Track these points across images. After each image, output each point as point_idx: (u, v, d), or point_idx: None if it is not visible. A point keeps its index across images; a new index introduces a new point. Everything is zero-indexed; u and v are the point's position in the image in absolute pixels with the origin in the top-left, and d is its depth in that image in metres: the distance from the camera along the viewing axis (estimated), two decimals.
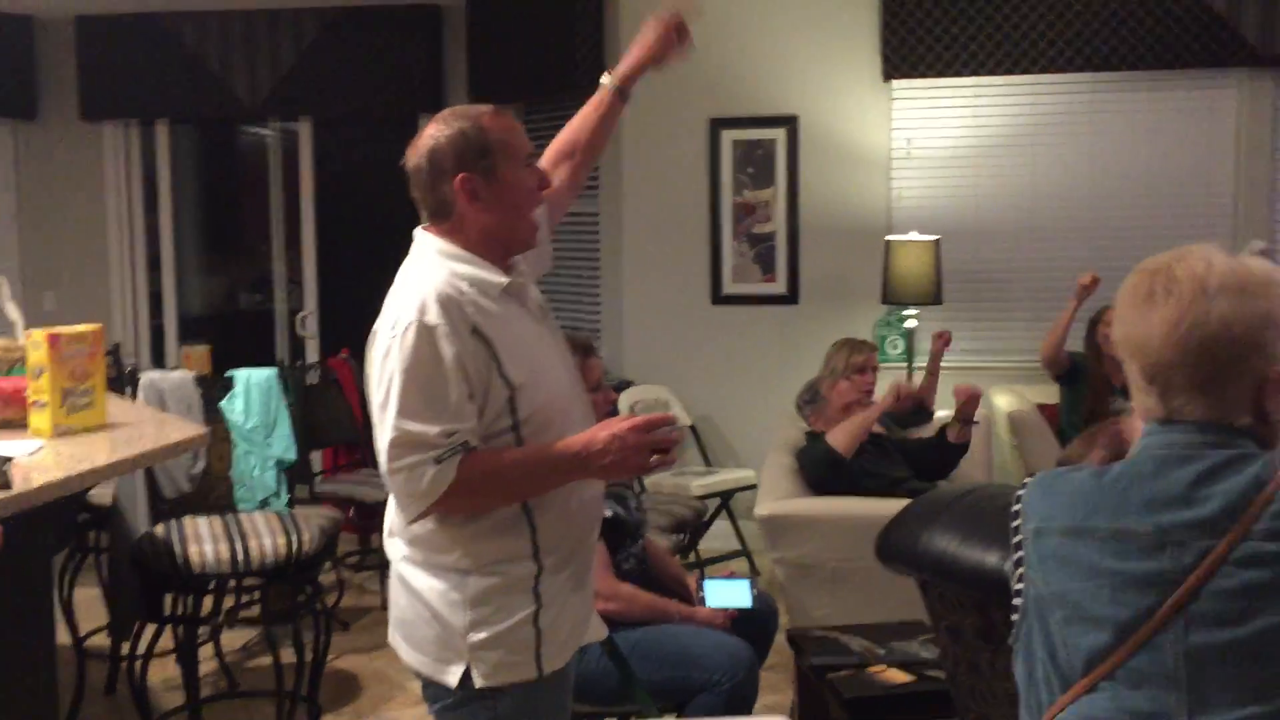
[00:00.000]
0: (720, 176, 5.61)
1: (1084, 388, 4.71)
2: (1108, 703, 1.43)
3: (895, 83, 5.43)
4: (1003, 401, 5.02)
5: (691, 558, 4.97)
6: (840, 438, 3.95)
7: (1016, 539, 1.56)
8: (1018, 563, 1.55)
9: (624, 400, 5.37)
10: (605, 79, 2.27)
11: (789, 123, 5.53)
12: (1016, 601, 1.54)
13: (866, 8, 5.42)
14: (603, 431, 1.86)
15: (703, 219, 5.65)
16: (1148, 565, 1.42)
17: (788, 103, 5.53)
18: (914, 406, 4.76)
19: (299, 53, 6.31)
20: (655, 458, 1.87)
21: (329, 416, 5.22)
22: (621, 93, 2.27)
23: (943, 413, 4.91)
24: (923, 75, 5.38)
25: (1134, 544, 1.43)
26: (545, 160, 2.26)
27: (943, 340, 4.84)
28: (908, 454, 4.28)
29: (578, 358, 2.84)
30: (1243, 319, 1.44)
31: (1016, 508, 1.57)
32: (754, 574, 4.91)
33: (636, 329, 5.77)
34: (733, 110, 5.52)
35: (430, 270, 1.91)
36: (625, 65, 2.27)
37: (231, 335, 7.08)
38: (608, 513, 3.07)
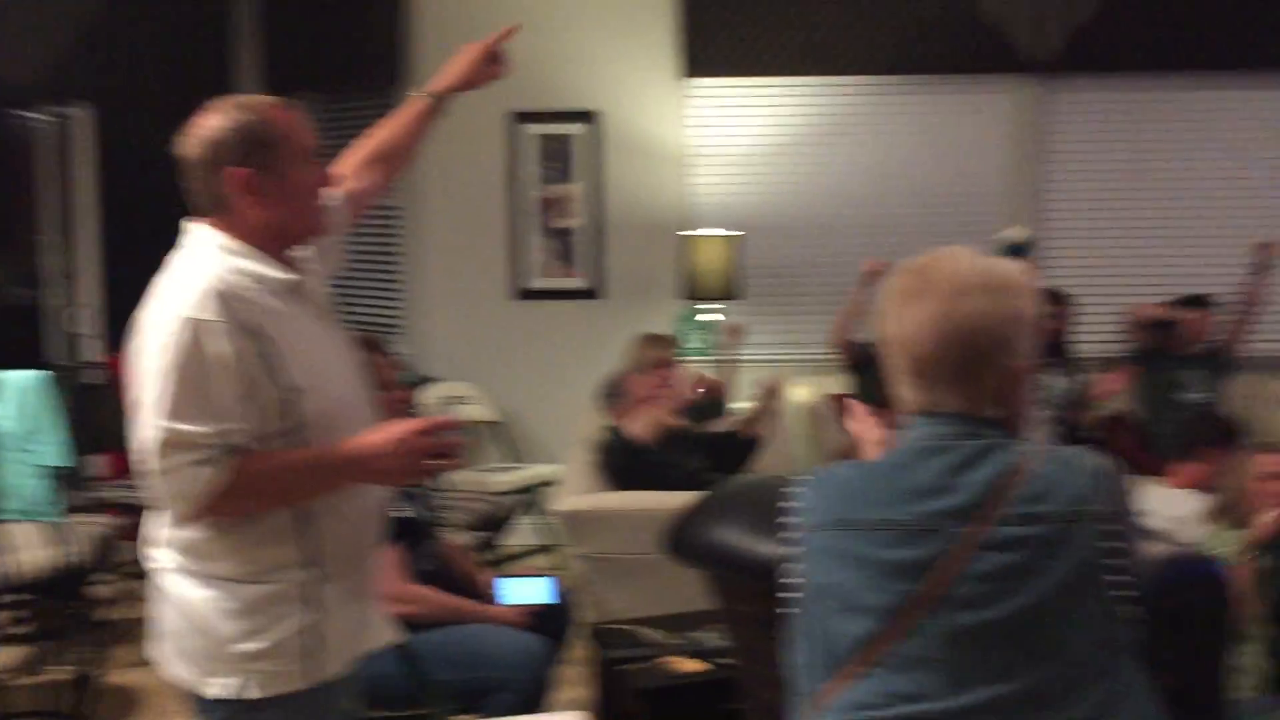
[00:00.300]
0: (522, 171, 5.59)
1: (875, 377, 4.89)
2: (874, 687, 1.48)
3: (694, 80, 5.52)
4: (800, 393, 5.16)
5: (495, 555, 4.93)
6: (636, 426, 4.02)
7: (790, 535, 1.60)
8: (791, 557, 1.59)
9: (431, 394, 5.29)
10: (416, 92, 2.30)
11: (590, 118, 5.55)
12: (789, 595, 1.59)
13: (665, 6, 5.49)
14: (382, 435, 1.82)
15: (505, 213, 5.61)
16: (909, 553, 1.48)
17: (589, 98, 5.55)
18: (710, 400, 4.86)
19: (75, 35, 5.94)
20: (437, 462, 1.84)
21: (111, 419, 4.93)
22: (438, 106, 2.30)
23: (743, 404, 5.03)
24: (720, 74, 5.48)
25: (897, 533, 1.49)
26: (355, 161, 2.24)
27: (733, 334, 4.97)
28: (708, 446, 4.36)
29: (367, 356, 2.79)
30: (994, 315, 1.52)
31: (790, 505, 1.61)
32: (557, 569, 4.92)
33: (439, 325, 5.69)
34: (534, 104, 5.49)
35: (206, 264, 1.83)
36: (442, 82, 2.31)
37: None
38: (403, 513, 3.02)
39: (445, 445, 1.84)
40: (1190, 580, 1.62)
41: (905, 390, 1.59)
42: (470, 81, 2.32)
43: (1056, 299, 5.05)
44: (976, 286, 1.52)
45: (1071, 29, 5.32)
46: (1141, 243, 5.49)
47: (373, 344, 2.94)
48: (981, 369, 1.52)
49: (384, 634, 2.13)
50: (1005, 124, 5.53)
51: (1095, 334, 5.43)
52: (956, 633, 1.45)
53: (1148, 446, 4.98)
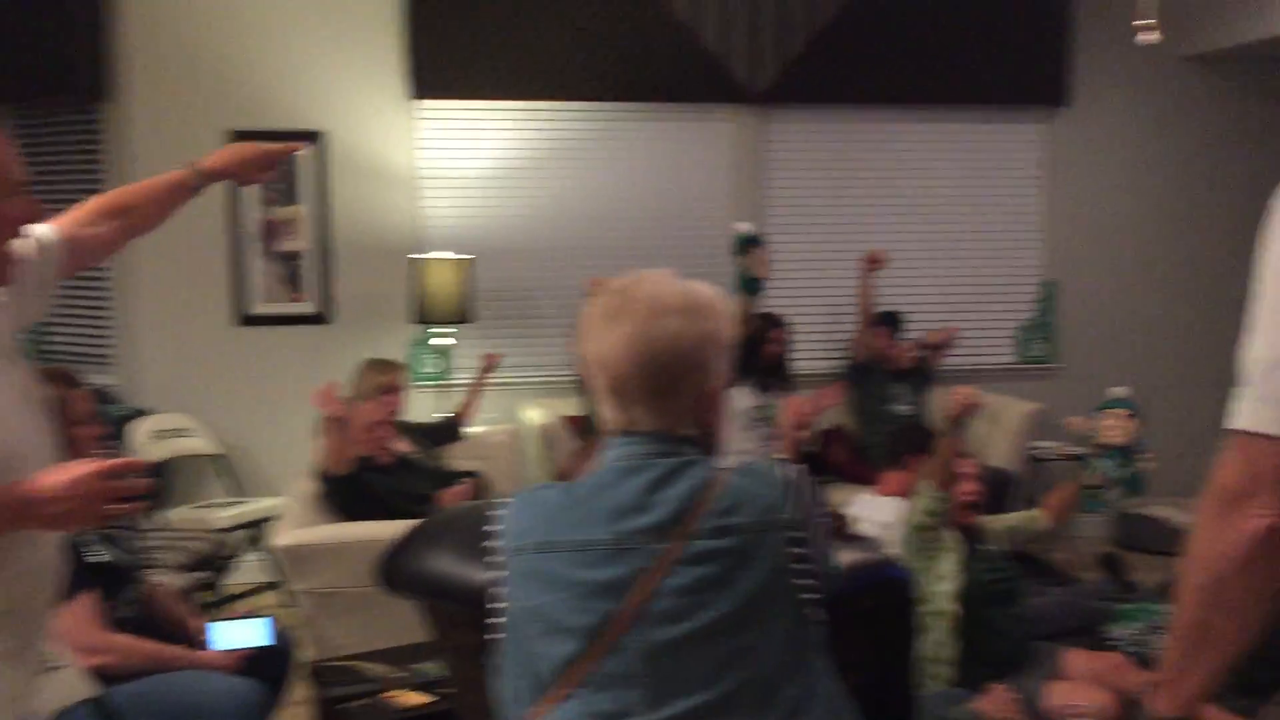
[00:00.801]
0: (243, 192, 5.35)
1: None
2: (577, 708, 1.48)
3: (422, 102, 5.45)
4: (534, 415, 5.17)
5: (217, 595, 4.68)
6: (326, 461, 3.92)
7: (495, 559, 1.58)
8: (495, 581, 1.57)
9: (145, 427, 4.99)
10: (185, 168, 2.24)
11: (315, 138, 5.38)
12: (496, 621, 1.57)
13: (391, 27, 5.40)
14: (57, 477, 1.67)
15: (225, 236, 5.36)
16: (609, 572, 1.49)
17: (314, 118, 5.38)
18: (446, 424, 4.80)
19: None
20: (118, 506, 1.71)
21: None
22: (197, 184, 2.24)
23: (478, 429, 4.99)
24: (448, 96, 5.44)
25: (597, 553, 1.50)
26: (90, 209, 2.11)
27: (489, 361, 4.96)
28: (439, 474, 4.29)
29: (57, 391, 2.59)
30: (689, 337, 1.55)
31: (495, 528, 1.60)
32: (281, 607, 4.72)
33: (154, 353, 5.37)
34: (255, 123, 5.27)
35: None
36: (213, 163, 2.25)
37: None
38: (101, 557, 2.82)
39: (128, 488, 1.71)
40: (874, 582, 1.72)
41: (607, 410, 1.61)
42: (239, 176, 2.29)
43: (775, 323, 5.28)
44: (673, 308, 1.56)
45: (785, 62, 5.61)
46: (850, 264, 5.81)
47: (63, 377, 2.73)
48: (677, 388, 1.55)
49: (73, 689, 1.97)
50: (725, 150, 5.75)
51: (810, 352, 5.71)
52: (655, 648, 1.47)
53: (861, 457, 5.28)
